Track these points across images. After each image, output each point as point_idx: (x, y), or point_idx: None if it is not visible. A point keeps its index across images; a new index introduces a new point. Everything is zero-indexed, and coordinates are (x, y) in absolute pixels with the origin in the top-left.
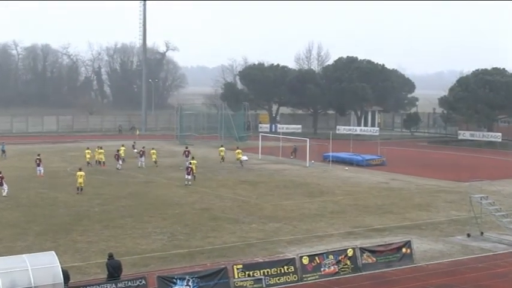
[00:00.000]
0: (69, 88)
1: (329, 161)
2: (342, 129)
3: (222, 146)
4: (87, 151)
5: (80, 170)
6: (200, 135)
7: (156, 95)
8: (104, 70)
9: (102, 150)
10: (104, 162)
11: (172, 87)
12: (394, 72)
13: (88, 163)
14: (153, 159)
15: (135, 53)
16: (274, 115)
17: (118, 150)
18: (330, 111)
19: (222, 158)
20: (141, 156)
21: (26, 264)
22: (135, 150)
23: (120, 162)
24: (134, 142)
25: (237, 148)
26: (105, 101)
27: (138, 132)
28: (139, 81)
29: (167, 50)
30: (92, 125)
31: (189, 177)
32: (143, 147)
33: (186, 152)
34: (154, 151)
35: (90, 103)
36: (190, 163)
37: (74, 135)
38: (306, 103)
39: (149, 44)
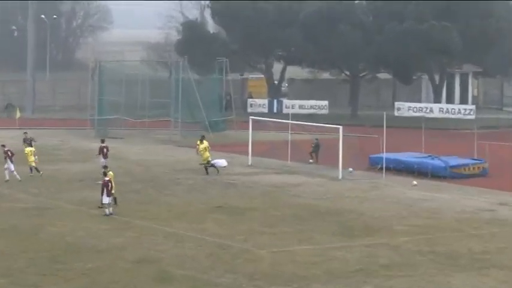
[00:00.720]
0: None
1: (380, 168)
2: (404, 109)
3: (203, 138)
4: None
5: None
6: (137, 120)
7: (55, 44)
8: None
9: None
10: None
11: (85, 31)
12: (504, 4)
13: None
14: (29, 164)
15: None
16: (277, 82)
17: None
18: (382, 75)
19: (207, 162)
20: (9, 159)
21: None
22: (31, 149)
23: None
24: (26, 133)
25: (202, 139)
26: None
27: (18, 115)
28: (23, 19)
29: None
30: None
31: (109, 199)
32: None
33: (104, 151)
34: (30, 149)
35: None
36: (105, 173)
37: None
38: (337, 60)
39: None
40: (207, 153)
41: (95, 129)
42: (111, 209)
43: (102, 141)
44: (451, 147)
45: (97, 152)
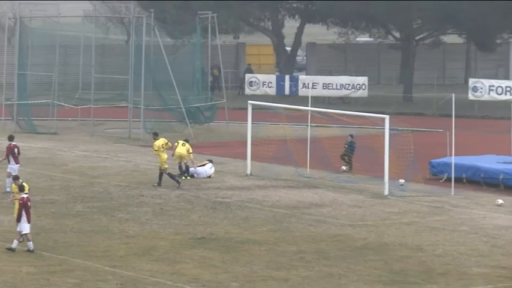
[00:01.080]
0: None
1: (446, 178)
2: (483, 89)
3: (186, 142)
4: None
5: None
6: (78, 107)
7: None
8: None
9: None
10: None
11: None
12: None
13: None
14: None
15: None
16: (289, 48)
17: None
18: (450, 38)
19: (184, 170)
20: None
21: None
22: None
23: None
24: None
25: (184, 143)
26: None
27: None
28: None
29: None
30: None
31: (28, 227)
32: None
33: (15, 152)
34: None
35: None
36: (22, 187)
37: None
38: (380, 15)
39: None
40: (165, 155)
41: (14, 120)
42: (30, 245)
43: (11, 139)
44: None
45: (4, 155)
